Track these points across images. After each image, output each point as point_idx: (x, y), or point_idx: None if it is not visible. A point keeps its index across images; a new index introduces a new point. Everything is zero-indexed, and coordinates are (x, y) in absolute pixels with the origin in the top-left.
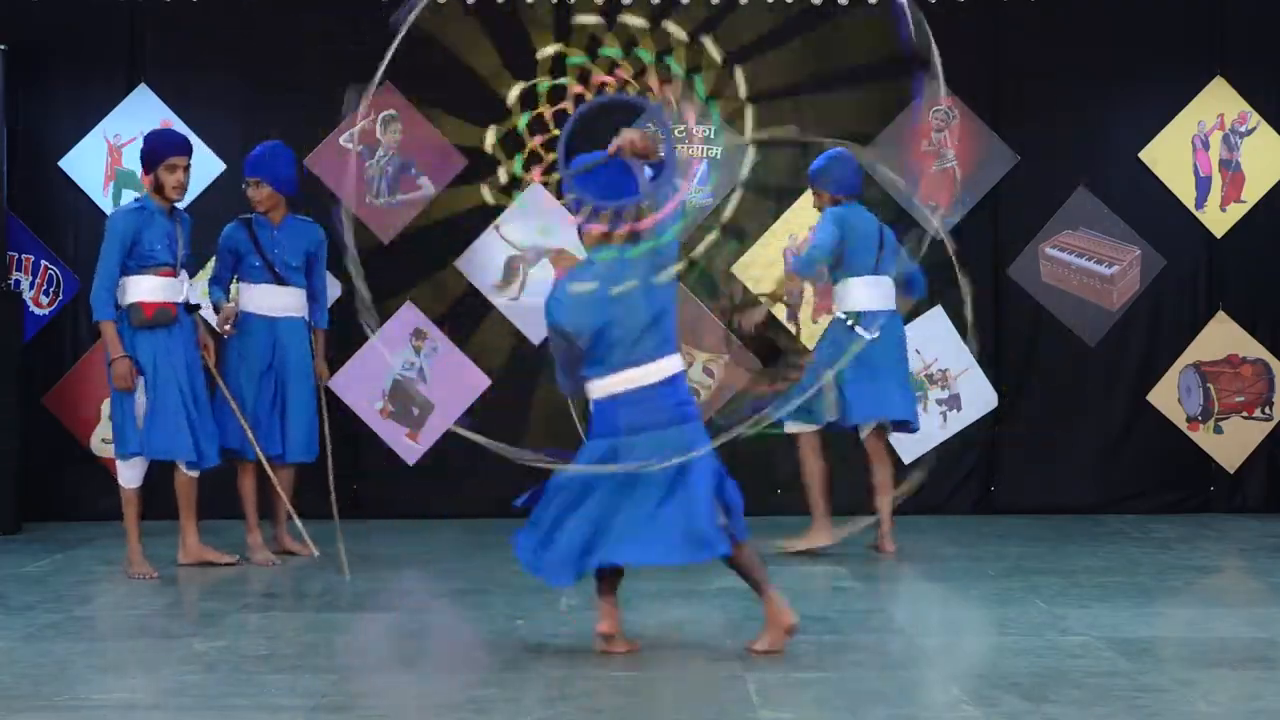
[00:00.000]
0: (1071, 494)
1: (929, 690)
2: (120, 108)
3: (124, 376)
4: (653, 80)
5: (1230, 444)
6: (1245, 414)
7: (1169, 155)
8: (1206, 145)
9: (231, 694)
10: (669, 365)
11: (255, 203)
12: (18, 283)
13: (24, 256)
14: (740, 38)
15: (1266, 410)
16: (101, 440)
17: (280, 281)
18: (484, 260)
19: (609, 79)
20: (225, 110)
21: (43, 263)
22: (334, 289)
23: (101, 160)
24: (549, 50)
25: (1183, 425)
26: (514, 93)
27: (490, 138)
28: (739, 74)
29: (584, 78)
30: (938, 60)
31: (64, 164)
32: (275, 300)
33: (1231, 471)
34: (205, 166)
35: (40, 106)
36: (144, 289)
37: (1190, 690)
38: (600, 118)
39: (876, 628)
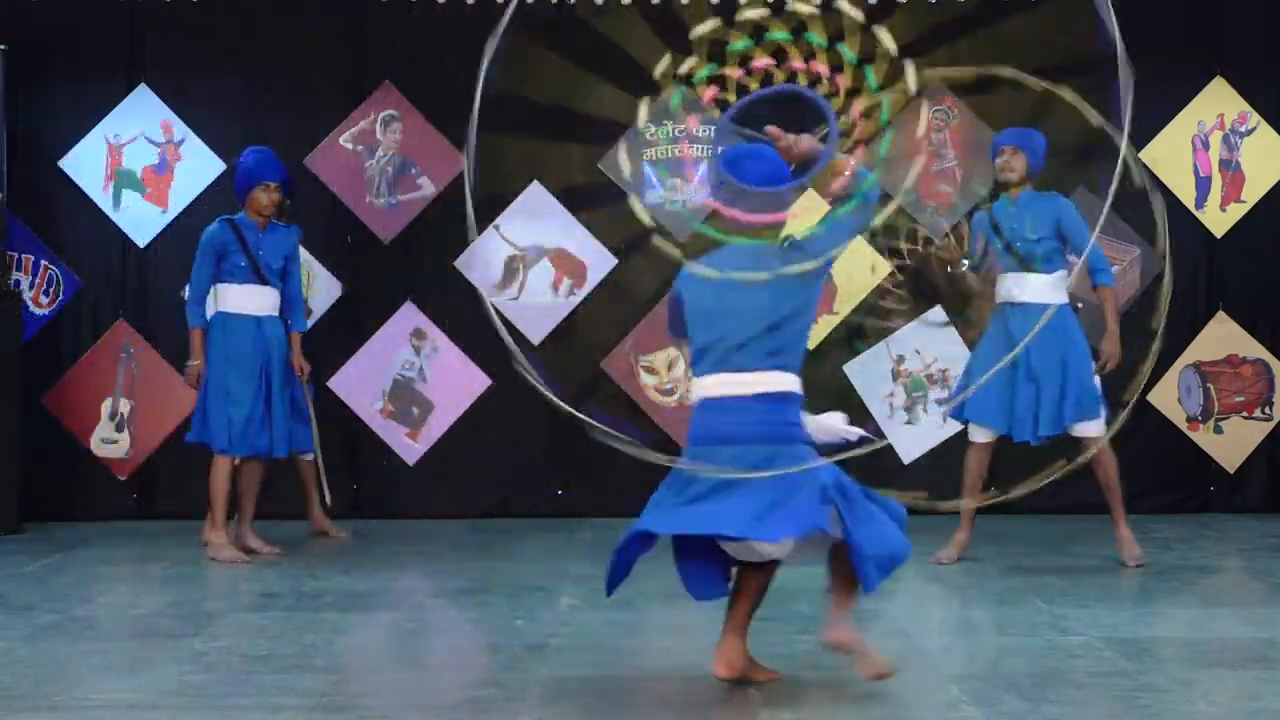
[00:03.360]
0: (1071, 494)
1: (929, 690)
2: (120, 108)
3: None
4: (821, 66)
5: (1230, 444)
6: (1245, 414)
7: (1169, 155)
8: (1206, 145)
9: (231, 694)
10: (777, 381)
11: (265, 206)
12: (18, 283)
13: (24, 256)
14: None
15: (1266, 410)
16: (100, 440)
17: (264, 282)
18: (484, 260)
19: (772, 64)
20: (225, 110)
21: (43, 263)
22: (333, 289)
23: (101, 160)
24: (706, 28)
25: (1183, 425)
26: (661, 66)
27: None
28: (909, 68)
29: (745, 62)
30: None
31: (64, 164)
32: (261, 300)
33: (1231, 471)
34: (205, 167)
35: (40, 106)
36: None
37: (1190, 690)
38: (768, 106)
39: (876, 628)
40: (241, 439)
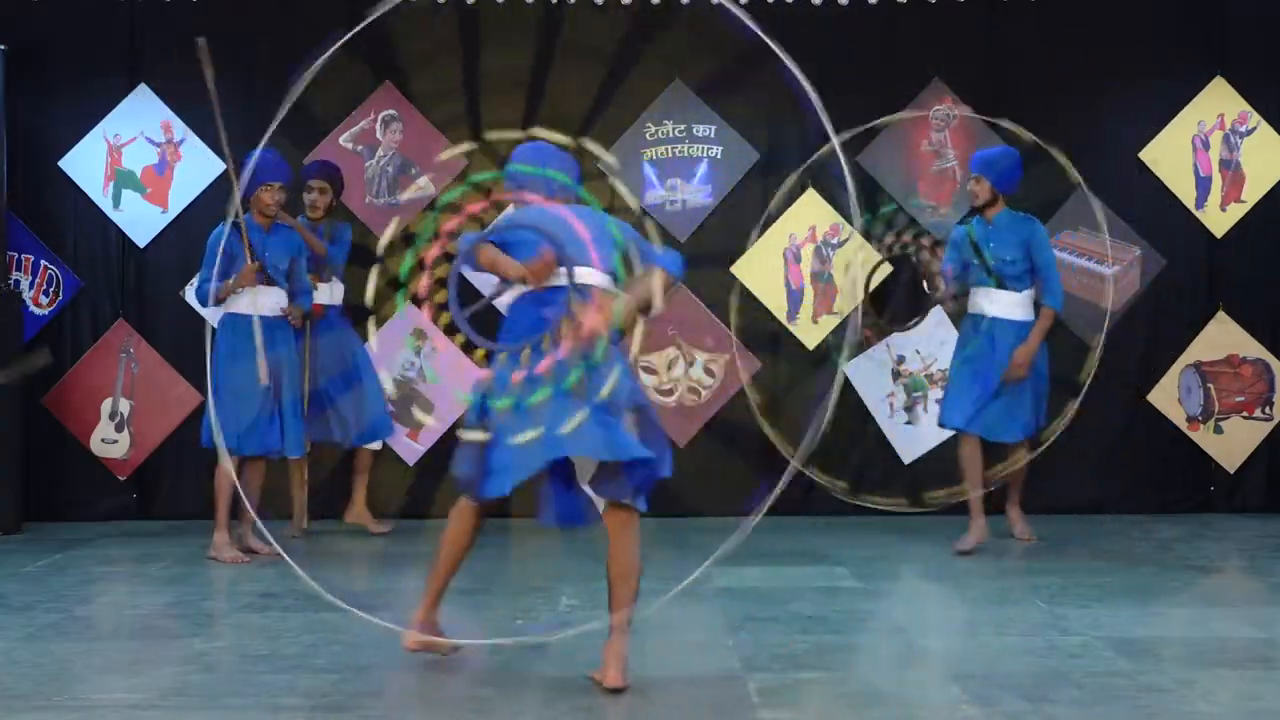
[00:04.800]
0: (1071, 494)
1: (929, 690)
2: (120, 108)
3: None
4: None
5: (1230, 444)
6: (1245, 414)
7: (1169, 155)
8: (1206, 145)
9: (231, 694)
10: None
11: (269, 206)
12: (18, 283)
13: (24, 256)
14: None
15: (1266, 410)
16: (100, 440)
17: (269, 282)
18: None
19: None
20: (225, 110)
21: (42, 263)
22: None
23: (101, 160)
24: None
25: (1183, 425)
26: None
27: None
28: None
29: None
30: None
31: (64, 164)
32: (266, 299)
33: (1231, 471)
34: (205, 167)
35: (40, 106)
36: None
37: (1190, 690)
38: None
39: (876, 628)
40: (249, 438)
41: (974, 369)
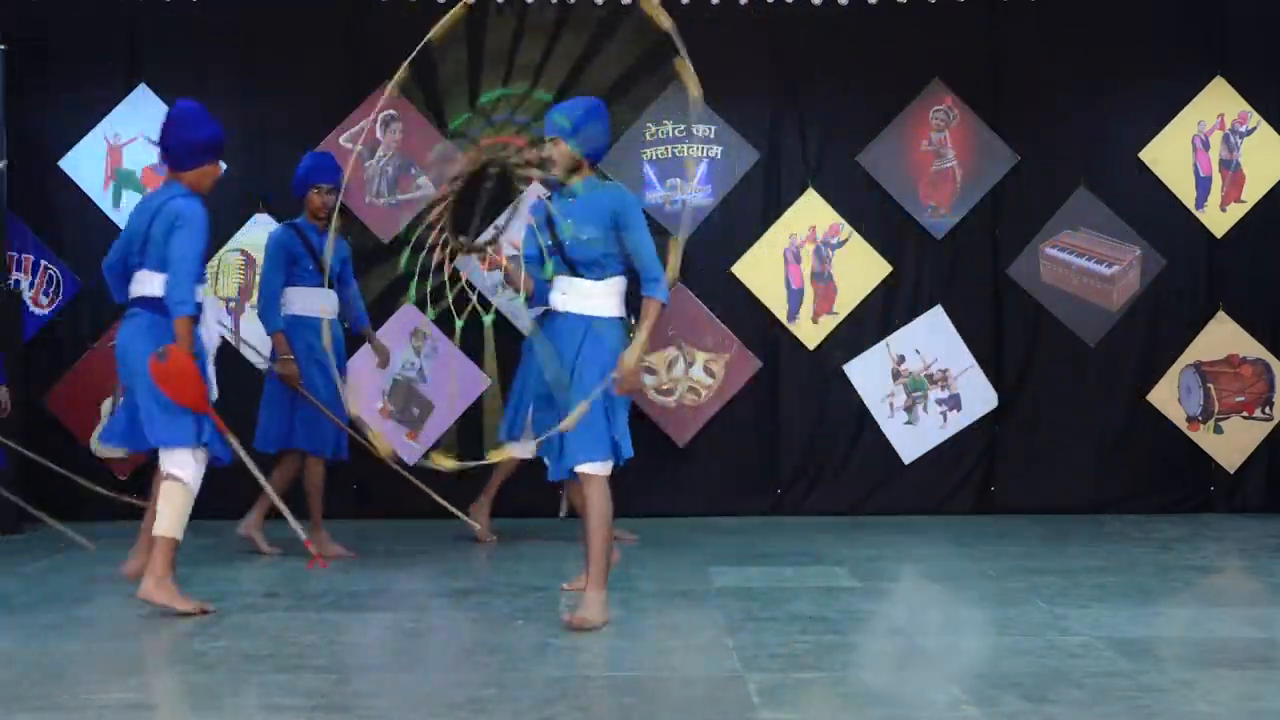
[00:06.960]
0: (1071, 494)
1: (929, 690)
2: (120, 108)
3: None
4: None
5: (1230, 444)
6: (1245, 414)
7: (1169, 155)
8: (1206, 145)
9: (231, 694)
10: None
11: (319, 208)
12: (17, 283)
13: (24, 256)
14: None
15: (1266, 410)
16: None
17: (328, 285)
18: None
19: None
20: (225, 110)
21: (42, 263)
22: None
23: (101, 160)
24: None
25: (1183, 425)
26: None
27: None
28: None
29: None
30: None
31: (64, 164)
32: (327, 302)
33: (1231, 471)
34: None
35: (40, 106)
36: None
37: (1190, 690)
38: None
39: (876, 628)
40: (338, 440)
41: (527, 377)
